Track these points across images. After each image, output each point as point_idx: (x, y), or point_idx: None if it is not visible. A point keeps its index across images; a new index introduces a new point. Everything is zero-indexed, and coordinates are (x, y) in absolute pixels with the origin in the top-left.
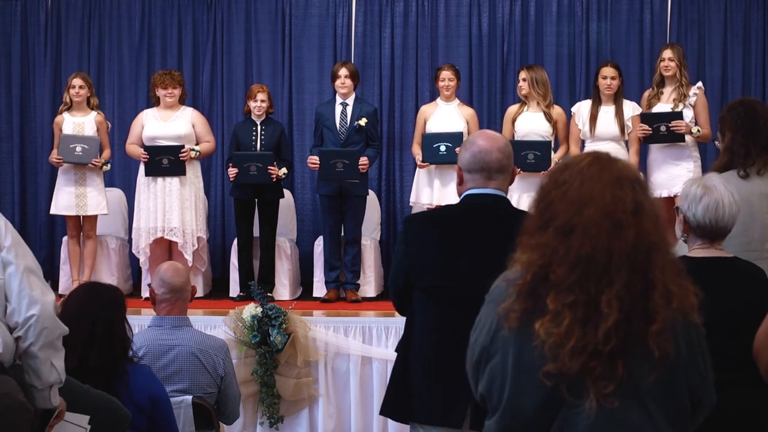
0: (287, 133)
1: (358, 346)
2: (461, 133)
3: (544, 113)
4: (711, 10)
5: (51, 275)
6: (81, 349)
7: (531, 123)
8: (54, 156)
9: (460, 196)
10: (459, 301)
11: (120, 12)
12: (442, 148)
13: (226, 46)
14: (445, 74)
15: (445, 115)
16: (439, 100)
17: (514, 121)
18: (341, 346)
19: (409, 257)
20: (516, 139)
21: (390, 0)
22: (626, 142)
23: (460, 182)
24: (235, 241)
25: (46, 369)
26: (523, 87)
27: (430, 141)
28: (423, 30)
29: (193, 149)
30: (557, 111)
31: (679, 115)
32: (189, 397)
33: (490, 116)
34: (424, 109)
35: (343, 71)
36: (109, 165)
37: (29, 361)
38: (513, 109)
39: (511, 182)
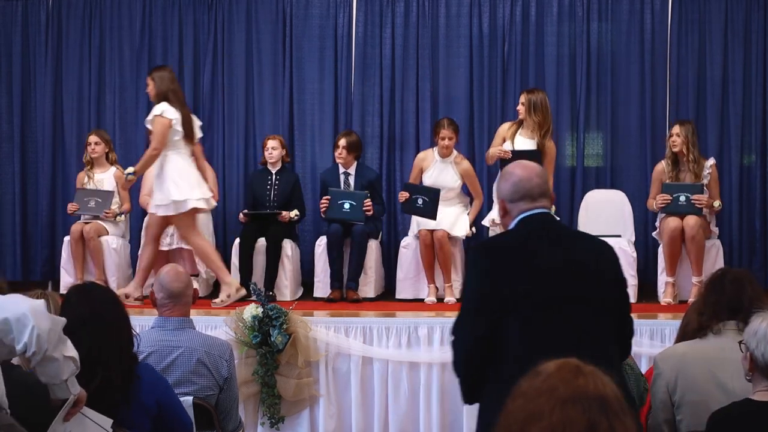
0: (287, 133)
1: (359, 346)
2: (438, 191)
3: (538, 144)
4: (712, 10)
5: (51, 275)
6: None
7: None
8: (70, 206)
9: (505, 228)
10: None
11: (121, 12)
12: (419, 201)
13: (227, 47)
14: (445, 133)
15: (441, 172)
16: (436, 154)
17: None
18: (342, 347)
19: (495, 285)
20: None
21: (391, 0)
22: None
23: (504, 214)
24: (236, 241)
25: (63, 365)
26: (520, 111)
27: (409, 191)
28: (424, 30)
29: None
30: (550, 144)
31: (700, 189)
32: (190, 398)
33: (491, 117)
34: (421, 158)
35: (342, 142)
36: (122, 216)
37: (48, 365)
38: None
39: (551, 202)
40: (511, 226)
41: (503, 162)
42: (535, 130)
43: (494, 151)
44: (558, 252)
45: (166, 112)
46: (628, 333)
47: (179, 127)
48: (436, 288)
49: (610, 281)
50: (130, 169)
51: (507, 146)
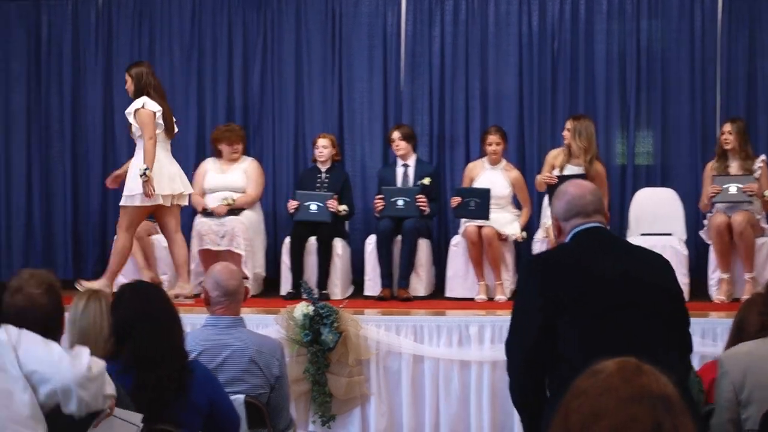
0: (337, 132)
1: (410, 344)
2: (489, 190)
3: (585, 169)
4: (762, 7)
5: (103, 273)
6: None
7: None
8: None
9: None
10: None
11: (171, 11)
12: (471, 204)
13: (277, 46)
14: (492, 138)
15: (491, 180)
16: (485, 162)
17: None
18: (393, 345)
19: (548, 296)
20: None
21: None
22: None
23: (558, 233)
24: (287, 240)
25: (103, 405)
26: (566, 136)
27: (460, 195)
28: (473, 28)
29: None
30: (598, 167)
31: (751, 180)
32: (241, 396)
33: (541, 116)
34: (471, 168)
35: (395, 134)
36: None
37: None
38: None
39: (606, 221)
40: (566, 240)
41: (550, 188)
42: (581, 156)
43: (541, 178)
44: (612, 263)
45: (147, 104)
46: (687, 348)
47: (161, 120)
48: (487, 286)
49: (664, 292)
50: (143, 167)
51: (555, 173)
